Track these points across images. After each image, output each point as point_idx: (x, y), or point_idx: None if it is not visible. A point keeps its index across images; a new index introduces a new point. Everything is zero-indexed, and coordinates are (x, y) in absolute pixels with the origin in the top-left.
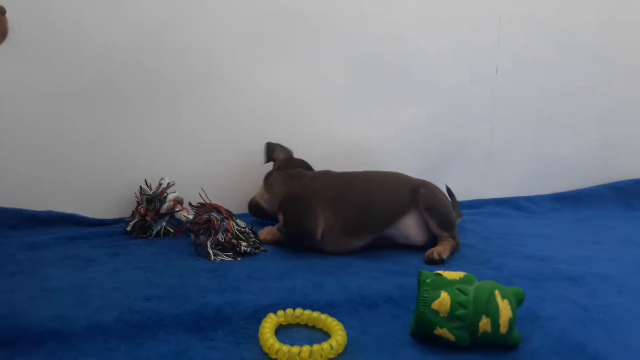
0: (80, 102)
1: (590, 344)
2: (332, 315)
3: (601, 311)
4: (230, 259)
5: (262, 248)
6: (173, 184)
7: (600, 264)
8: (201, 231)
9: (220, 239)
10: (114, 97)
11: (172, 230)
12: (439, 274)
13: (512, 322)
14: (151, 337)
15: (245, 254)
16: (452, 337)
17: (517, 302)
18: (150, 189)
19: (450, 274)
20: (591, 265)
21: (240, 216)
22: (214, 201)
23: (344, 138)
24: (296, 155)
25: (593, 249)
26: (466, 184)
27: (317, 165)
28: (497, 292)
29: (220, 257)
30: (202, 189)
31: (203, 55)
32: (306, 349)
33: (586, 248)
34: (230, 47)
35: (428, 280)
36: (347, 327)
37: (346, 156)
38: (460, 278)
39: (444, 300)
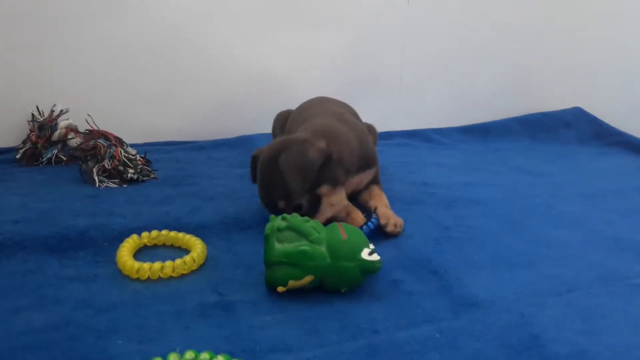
0: None
1: (437, 259)
2: (202, 237)
3: (460, 231)
4: (116, 185)
5: (152, 175)
6: (66, 111)
7: (478, 190)
8: (88, 158)
9: (106, 165)
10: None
11: (64, 158)
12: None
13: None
14: (9, 257)
15: (132, 181)
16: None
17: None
18: (43, 116)
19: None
20: (469, 190)
21: (136, 146)
22: (111, 130)
23: (250, 69)
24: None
25: (479, 177)
26: (377, 115)
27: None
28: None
29: (105, 184)
30: (89, 115)
31: None
32: (157, 265)
33: (473, 175)
34: None
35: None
36: (214, 247)
37: (254, 87)
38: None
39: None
